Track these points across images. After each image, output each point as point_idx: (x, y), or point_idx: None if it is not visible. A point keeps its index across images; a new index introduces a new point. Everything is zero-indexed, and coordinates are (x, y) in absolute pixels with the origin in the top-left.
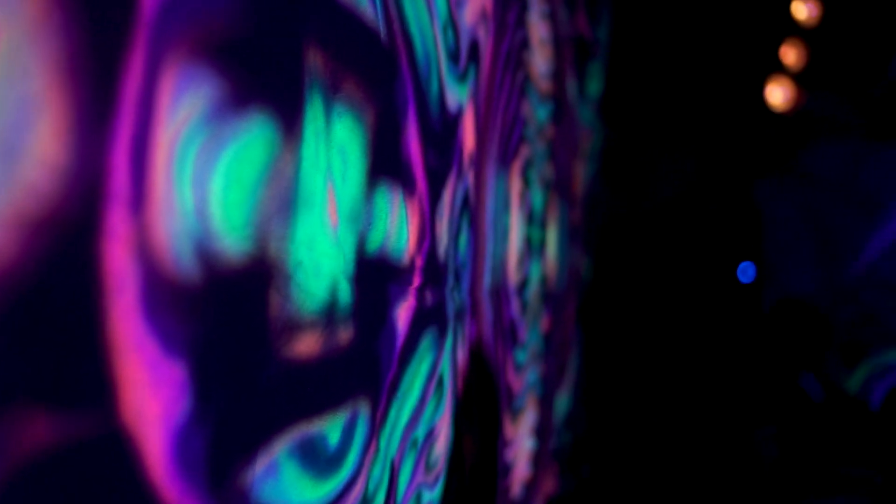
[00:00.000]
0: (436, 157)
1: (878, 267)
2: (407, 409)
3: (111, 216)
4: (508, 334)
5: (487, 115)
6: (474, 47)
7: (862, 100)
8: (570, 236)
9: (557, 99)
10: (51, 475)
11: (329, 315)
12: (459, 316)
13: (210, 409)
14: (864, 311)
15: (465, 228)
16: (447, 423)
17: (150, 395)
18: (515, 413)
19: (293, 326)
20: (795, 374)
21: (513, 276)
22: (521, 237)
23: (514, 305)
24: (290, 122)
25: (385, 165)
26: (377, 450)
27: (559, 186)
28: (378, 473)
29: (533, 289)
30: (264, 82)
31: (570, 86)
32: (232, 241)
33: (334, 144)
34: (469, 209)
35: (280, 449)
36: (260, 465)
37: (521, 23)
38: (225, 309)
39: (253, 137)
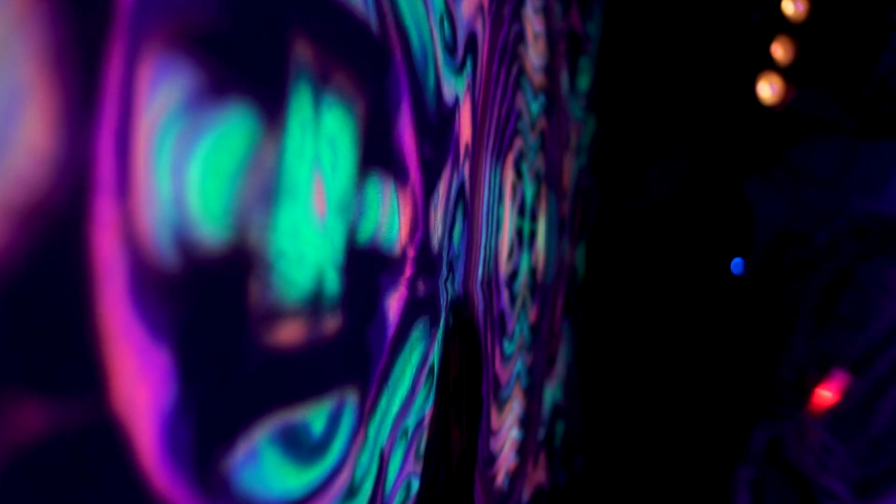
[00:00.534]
0: (431, 148)
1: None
2: (398, 398)
3: (98, 205)
4: (497, 325)
5: (484, 107)
6: (472, 40)
7: (850, 99)
8: (558, 229)
9: (550, 93)
10: (42, 463)
11: (314, 304)
12: (452, 306)
13: (195, 396)
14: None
15: (459, 220)
16: (434, 413)
17: (139, 382)
18: (502, 403)
19: (275, 315)
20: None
21: (503, 267)
22: (512, 229)
23: (504, 296)
24: (272, 113)
25: (377, 156)
26: (366, 438)
27: (549, 179)
28: (366, 462)
29: (522, 280)
30: (245, 73)
31: (563, 80)
32: (211, 230)
33: (323, 135)
34: (464, 201)
35: (261, 436)
36: (241, 451)
37: (517, 16)
38: (206, 296)
39: (232, 127)
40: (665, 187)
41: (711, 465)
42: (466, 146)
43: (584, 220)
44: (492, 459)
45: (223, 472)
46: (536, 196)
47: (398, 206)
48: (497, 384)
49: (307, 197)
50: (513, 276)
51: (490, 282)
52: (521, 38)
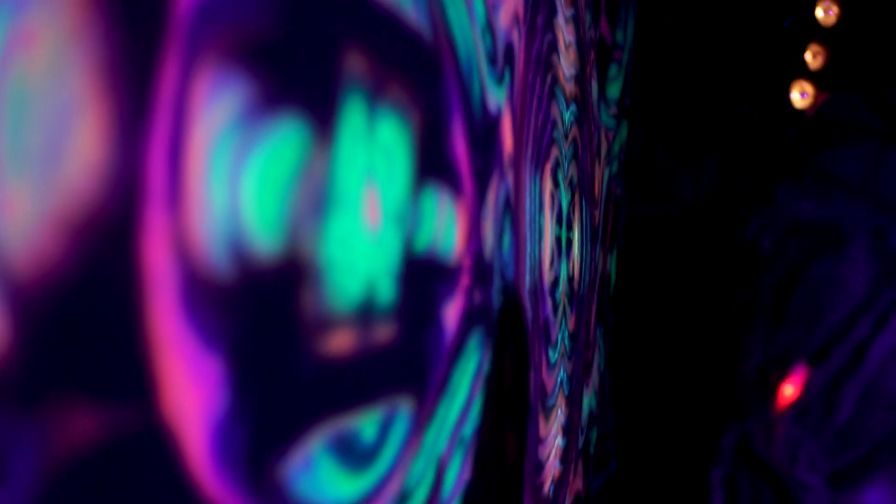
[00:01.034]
0: (479, 158)
1: None
2: (455, 406)
3: (150, 215)
4: (543, 333)
5: (522, 117)
6: (509, 50)
7: (880, 103)
8: (591, 237)
9: (581, 101)
10: (93, 470)
11: (365, 313)
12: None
13: (247, 405)
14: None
15: (507, 229)
16: (488, 421)
17: (190, 390)
18: (548, 411)
19: (327, 323)
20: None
21: (546, 275)
22: (552, 237)
23: (548, 305)
24: (323, 123)
25: (432, 166)
26: (421, 446)
27: (582, 187)
28: (421, 469)
29: (562, 288)
30: (298, 84)
31: (593, 89)
32: (264, 240)
33: (378, 146)
34: (510, 210)
35: (313, 444)
36: (293, 459)
37: (549, 26)
38: (258, 306)
39: (285, 138)
40: (694, 193)
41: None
42: (509, 156)
43: (615, 228)
44: (540, 467)
45: (276, 481)
46: (571, 204)
47: (454, 216)
48: (544, 392)
49: (359, 207)
50: (554, 284)
51: (536, 290)
52: (553, 47)
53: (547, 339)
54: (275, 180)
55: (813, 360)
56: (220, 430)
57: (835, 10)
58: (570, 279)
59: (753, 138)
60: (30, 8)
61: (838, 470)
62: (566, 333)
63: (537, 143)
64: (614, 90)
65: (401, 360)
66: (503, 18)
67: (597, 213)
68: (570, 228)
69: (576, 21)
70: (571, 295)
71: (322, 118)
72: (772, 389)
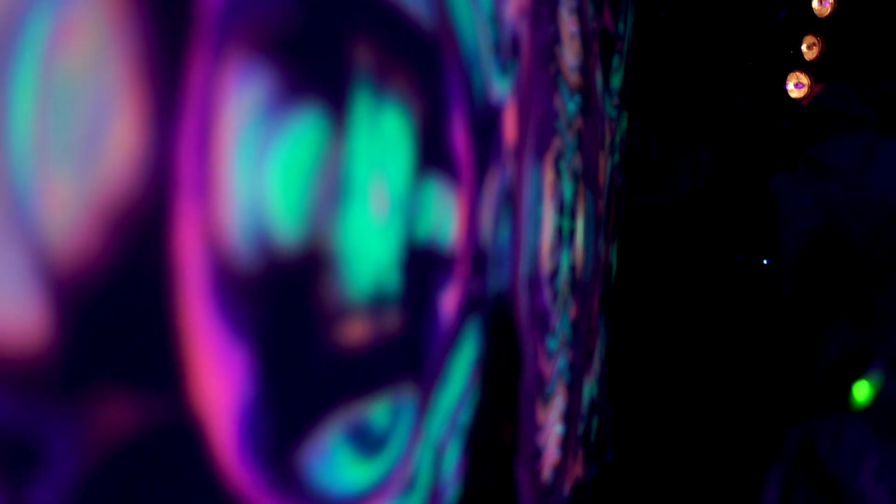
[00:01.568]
0: (480, 148)
1: None
2: (452, 393)
3: (182, 206)
4: (540, 322)
5: (526, 107)
6: (515, 41)
7: (874, 94)
8: (595, 226)
9: (585, 92)
10: (128, 458)
11: (377, 302)
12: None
13: (271, 395)
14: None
15: (505, 219)
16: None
17: (219, 381)
18: (547, 399)
19: (343, 312)
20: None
21: (545, 265)
22: (552, 227)
23: (546, 294)
24: (338, 115)
25: (433, 156)
26: (423, 433)
27: (586, 177)
28: (424, 456)
29: (563, 277)
30: (315, 76)
31: (597, 79)
32: (287, 230)
33: (383, 136)
34: (509, 200)
35: (332, 432)
36: (315, 447)
37: (553, 17)
38: (283, 295)
39: (305, 129)
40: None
41: (742, 460)
42: (511, 145)
43: (616, 217)
44: (538, 453)
45: (296, 468)
46: (574, 194)
47: (454, 205)
48: (541, 380)
49: (370, 197)
50: (554, 273)
51: (532, 279)
52: (557, 38)
53: (545, 328)
54: (296, 171)
55: (892, 364)
56: (246, 420)
57: (830, 1)
58: (573, 268)
59: (749, 128)
60: (69, 4)
61: None
62: (567, 322)
63: (539, 134)
64: (617, 81)
65: (406, 349)
66: (510, 9)
67: (601, 202)
68: (573, 218)
69: (579, 12)
70: (574, 284)
71: (336, 109)
72: (845, 391)
